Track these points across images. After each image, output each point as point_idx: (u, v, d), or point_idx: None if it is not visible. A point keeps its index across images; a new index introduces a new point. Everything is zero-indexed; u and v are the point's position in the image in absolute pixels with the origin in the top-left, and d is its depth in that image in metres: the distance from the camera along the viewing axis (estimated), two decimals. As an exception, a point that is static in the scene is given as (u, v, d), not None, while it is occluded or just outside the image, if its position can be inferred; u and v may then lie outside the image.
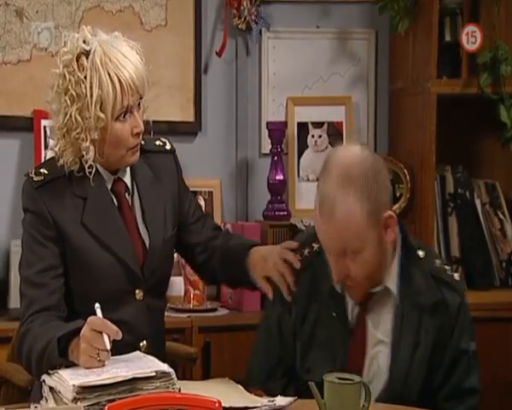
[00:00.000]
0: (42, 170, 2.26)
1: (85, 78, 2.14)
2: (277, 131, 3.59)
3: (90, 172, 2.22)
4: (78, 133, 2.16)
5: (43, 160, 3.37)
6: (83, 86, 2.14)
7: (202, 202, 3.60)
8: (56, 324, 2.13)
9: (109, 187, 2.27)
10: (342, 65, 3.79)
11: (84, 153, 2.19)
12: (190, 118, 3.60)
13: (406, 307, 2.18)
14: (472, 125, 3.73)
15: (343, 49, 3.78)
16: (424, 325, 2.17)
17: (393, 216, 2.13)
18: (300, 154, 3.71)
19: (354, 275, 2.11)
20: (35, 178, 2.24)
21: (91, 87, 2.14)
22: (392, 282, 2.18)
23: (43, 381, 1.99)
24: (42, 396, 1.99)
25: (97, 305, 2.05)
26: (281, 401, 2.03)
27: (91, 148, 2.18)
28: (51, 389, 1.96)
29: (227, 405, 1.92)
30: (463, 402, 2.23)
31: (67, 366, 1.99)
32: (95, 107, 2.14)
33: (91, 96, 2.14)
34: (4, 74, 3.41)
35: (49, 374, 1.98)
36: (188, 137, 3.62)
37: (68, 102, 2.16)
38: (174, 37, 3.58)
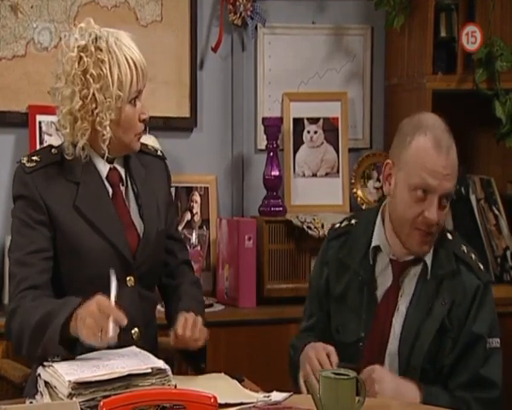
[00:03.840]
0: (34, 157, 2.29)
1: (104, 58, 2.20)
2: (273, 126, 3.59)
3: (84, 157, 2.24)
4: (98, 113, 2.20)
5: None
6: (102, 67, 2.20)
7: (198, 198, 3.60)
8: (49, 299, 2.16)
9: (104, 176, 2.30)
10: (338, 61, 3.78)
11: (103, 133, 2.21)
12: (186, 114, 3.60)
13: (427, 280, 2.30)
14: (467, 120, 3.73)
15: (339, 45, 3.78)
16: (441, 297, 2.28)
17: None
18: (296, 149, 3.71)
19: (440, 223, 2.27)
20: (27, 164, 2.27)
21: (110, 67, 2.20)
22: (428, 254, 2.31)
23: (39, 375, 1.99)
24: (37, 391, 1.99)
25: (112, 270, 2.07)
26: (276, 396, 2.03)
27: (109, 128, 2.22)
28: (46, 383, 1.96)
29: (223, 400, 1.92)
30: (480, 392, 2.24)
31: (64, 359, 1.99)
32: (114, 86, 2.19)
33: (111, 75, 2.19)
34: (-1, 70, 3.41)
35: (43, 366, 1.98)
36: (183, 132, 3.62)
37: (91, 80, 2.19)
38: (170, 32, 3.57)
